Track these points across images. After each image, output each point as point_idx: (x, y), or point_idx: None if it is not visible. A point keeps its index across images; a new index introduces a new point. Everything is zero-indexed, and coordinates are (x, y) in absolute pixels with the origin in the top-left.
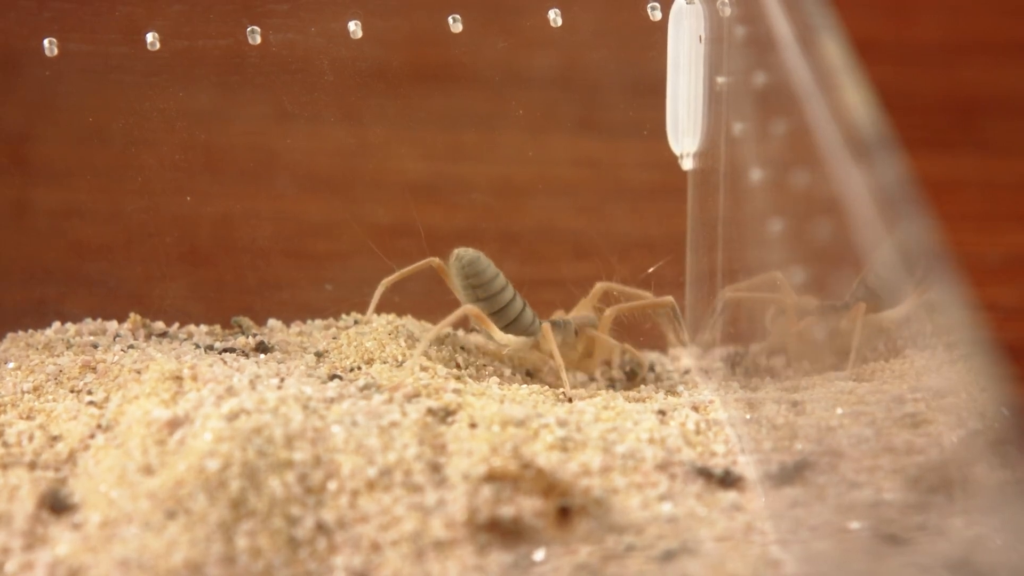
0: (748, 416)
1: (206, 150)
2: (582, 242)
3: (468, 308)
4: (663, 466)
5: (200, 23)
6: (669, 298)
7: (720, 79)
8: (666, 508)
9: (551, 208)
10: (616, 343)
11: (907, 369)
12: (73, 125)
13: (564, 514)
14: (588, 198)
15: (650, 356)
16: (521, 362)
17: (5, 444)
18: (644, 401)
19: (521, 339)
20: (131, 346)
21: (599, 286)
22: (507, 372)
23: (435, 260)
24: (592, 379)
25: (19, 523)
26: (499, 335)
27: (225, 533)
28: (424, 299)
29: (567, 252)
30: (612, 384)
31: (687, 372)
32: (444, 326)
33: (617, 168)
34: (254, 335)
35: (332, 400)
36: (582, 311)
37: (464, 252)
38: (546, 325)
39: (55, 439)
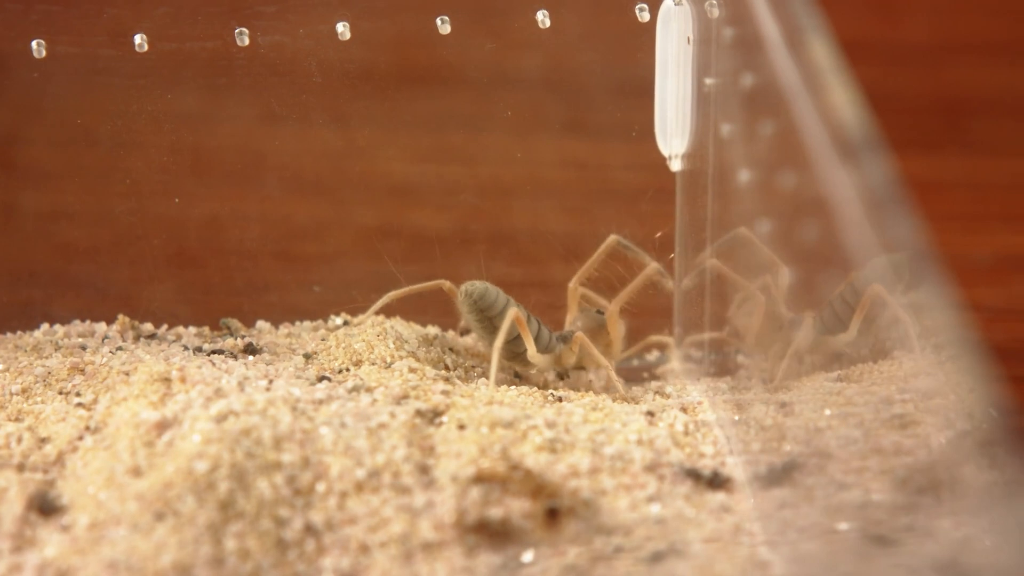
0: (737, 417)
1: (194, 152)
2: (571, 243)
3: (513, 312)
4: (651, 467)
5: (188, 25)
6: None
7: (708, 80)
8: (654, 509)
9: (539, 209)
10: (603, 360)
11: (895, 370)
12: (61, 127)
13: (552, 515)
14: (576, 199)
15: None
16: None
17: None
18: (633, 403)
19: (547, 357)
20: (119, 348)
21: (611, 239)
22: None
23: (445, 283)
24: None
25: (7, 525)
26: (532, 351)
27: (213, 535)
28: (413, 300)
29: (556, 253)
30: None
31: (675, 373)
32: (501, 340)
33: (605, 170)
34: (242, 337)
35: (320, 402)
36: (593, 266)
37: (472, 287)
38: (578, 335)
39: (43, 441)
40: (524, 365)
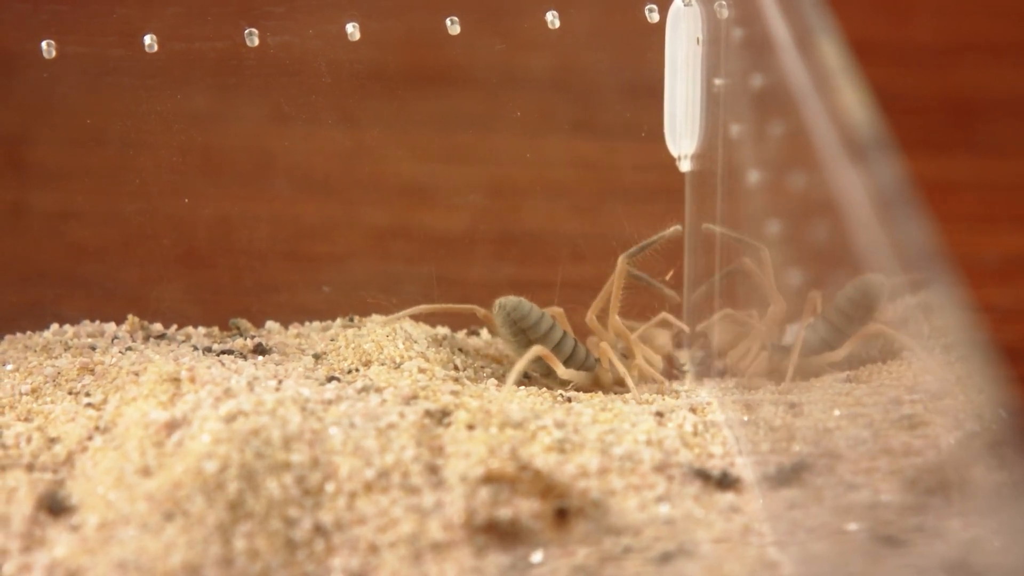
0: (746, 418)
1: (203, 152)
2: (580, 244)
3: (537, 349)
4: (661, 468)
5: (197, 25)
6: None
7: (717, 81)
8: (663, 510)
9: (548, 210)
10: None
11: (904, 371)
12: (71, 127)
13: (561, 516)
14: (586, 200)
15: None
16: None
17: (3, 446)
18: (643, 403)
19: (583, 373)
20: (129, 348)
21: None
22: (504, 374)
23: (480, 310)
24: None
25: (17, 525)
26: (563, 370)
27: (223, 535)
28: (421, 302)
29: (565, 254)
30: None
31: (685, 370)
32: (521, 367)
33: (615, 170)
34: (252, 337)
35: (330, 402)
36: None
37: (506, 300)
38: (603, 344)
39: (53, 441)
40: (562, 384)
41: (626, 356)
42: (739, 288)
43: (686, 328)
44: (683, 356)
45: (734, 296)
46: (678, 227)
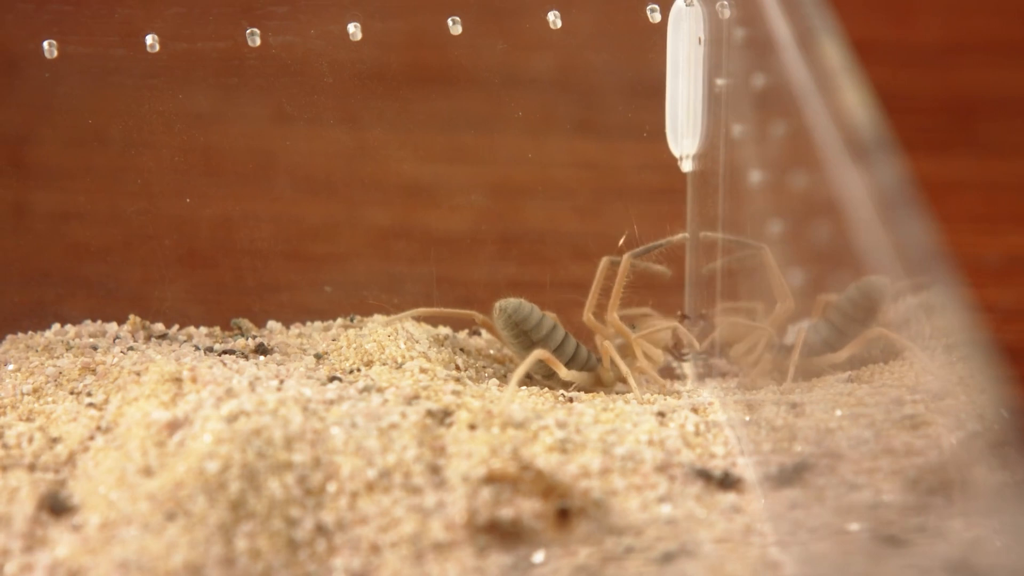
0: (747, 418)
1: (205, 152)
2: (581, 244)
3: (539, 353)
4: (662, 468)
5: (199, 25)
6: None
7: (719, 81)
8: (665, 510)
9: (550, 210)
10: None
11: (906, 371)
12: (72, 127)
13: (563, 516)
14: (587, 200)
15: None
16: (589, 388)
17: (5, 446)
18: (644, 403)
19: (584, 373)
20: (131, 348)
21: (604, 261)
22: (506, 374)
23: (478, 316)
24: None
25: (19, 525)
26: (565, 372)
27: (224, 535)
28: (422, 302)
29: (566, 254)
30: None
31: (685, 371)
32: (523, 371)
33: (616, 170)
34: (253, 337)
35: (331, 402)
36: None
37: (505, 303)
38: (606, 342)
39: (55, 441)
40: (563, 385)
41: (625, 354)
42: (742, 285)
43: (697, 344)
44: (686, 368)
45: (736, 293)
46: (686, 235)
